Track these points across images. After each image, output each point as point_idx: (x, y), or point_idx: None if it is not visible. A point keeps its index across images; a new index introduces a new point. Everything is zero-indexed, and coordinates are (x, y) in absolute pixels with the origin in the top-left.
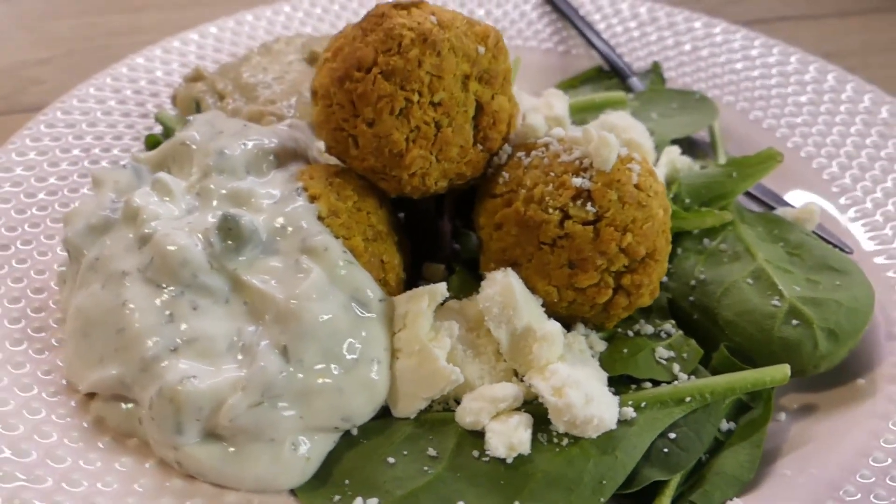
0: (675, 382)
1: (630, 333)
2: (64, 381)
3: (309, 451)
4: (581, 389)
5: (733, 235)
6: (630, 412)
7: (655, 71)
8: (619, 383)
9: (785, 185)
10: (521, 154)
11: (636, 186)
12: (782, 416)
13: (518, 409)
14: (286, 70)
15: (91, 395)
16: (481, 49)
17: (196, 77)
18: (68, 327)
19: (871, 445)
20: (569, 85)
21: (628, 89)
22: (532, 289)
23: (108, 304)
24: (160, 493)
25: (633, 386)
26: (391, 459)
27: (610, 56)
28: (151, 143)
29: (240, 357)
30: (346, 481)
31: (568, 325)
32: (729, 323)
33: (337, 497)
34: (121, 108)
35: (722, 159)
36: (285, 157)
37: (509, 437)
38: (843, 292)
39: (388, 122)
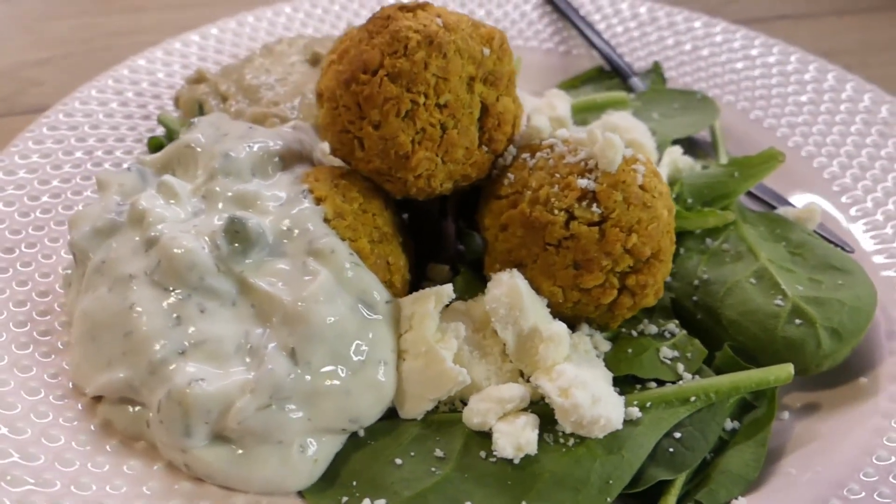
0: (680, 382)
1: (634, 333)
2: (70, 385)
3: (317, 453)
4: (587, 390)
5: (735, 235)
6: (635, 412)
7: (656, 71)
8: (624, 383)
9: (785, 184)
10: (525, 155)
11: (641, 187)
12: (786, 414)
13: (525, 410)
14: (289, 71)
15: (98, 399)
16: (486, 51)
17: (198, 79)
18: (75, 331)
19: (874, 444)
20: (570, 85)
21: (629, 89)
22: (537, 289)
23: (115, 307)
24: (169, 496)
25: (638, 386)
26: (398, 460)
27: (611, 56)
28: (154, 145)
29: (247, 359)
30: (354, 482)
31: (572, 326)
32: (732, 322)
33: (345, 498)
34: (123, 109)
35: (723, 159)
36: (290, 159)
37: (517, 437)
38: (846, 291)
39: (394, 124)
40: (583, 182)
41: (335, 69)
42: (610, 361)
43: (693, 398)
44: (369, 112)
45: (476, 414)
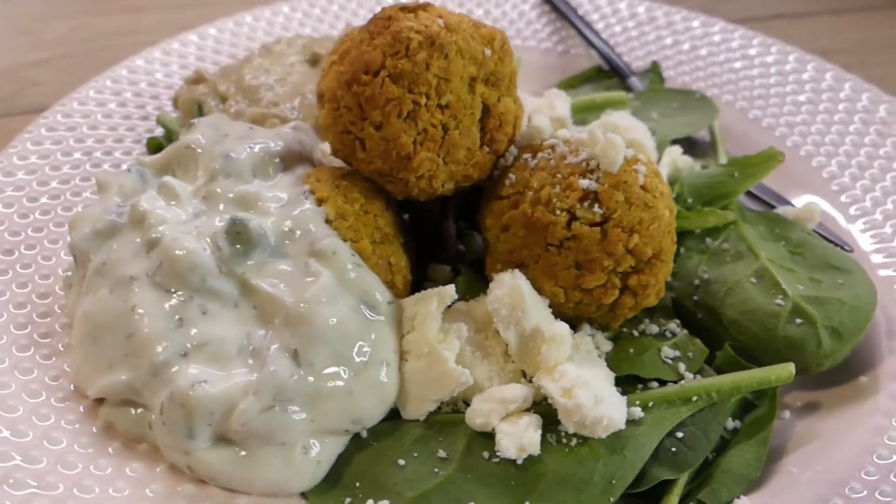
0: (682, 382)
1: (635, 333)
2: (72, 387)
3: (319, 454)
4: (590, 390)
5: (735, 235)
6: (638, 412)
7: (654, 70)
8: (626, 383)
9: (784, 183)
10: (527, 156)
11: (642, 188)
12: (787, 413)
13: (527, 410)
14: (288, 72)
15: (99, 401)
16: (488, 51)
17: (197, 79)
18: (76, 332)
19: (875, 443)
20: (568, 84)
21: (628, 89)
22: (539, 290)
23: (117, 308)
24: (172, 498)
25: (640, 386)
26: (401, 461)
27: (609, 55)
28: (154, 145)
29: (250, 361)
30: (357, 483)
31: (574, 326)
32: (733, 322)
33: (348, 500)
34: (121, 110)
35: (723, 159)
36: (291, 159)
37: (519, 438)
38: (846, 291)
39: (395, 125)
40: (584, 182)
41: (336, 70)
42: (611, 361)
43: (695, 398)
44: (371, 113)
45: (479, 414)
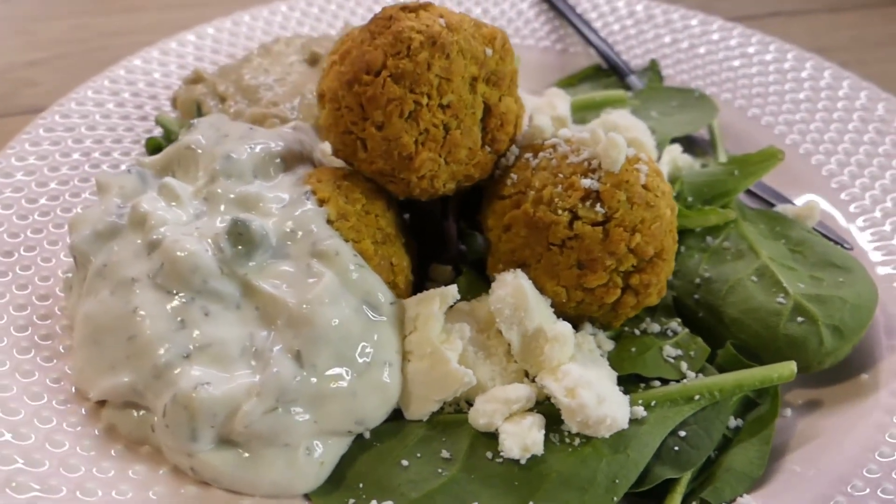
0: (684, 381)
1: (637, 332)
2: (73, 389)
3: (323, 455)
4: (593, 389)
5: (736, 233)
6: (640, 411)
7: (653, 69)
8: (628, 382)
9: (783, 181)
10: (528, 155)
11: (644, 187)
12: (788, 411)
13: (530, 410)
14: (287, 71)
15: (101, 403)
16: (489, 51)
17: (196, 79)
18: (77, 335)
19: (876, 440)
20: (567, 83)
21: (627, 87)
22: (541, 289)
23: (118, 310)
24: (175, 501)
25: (642, 385)
26: (405, 462)
27: (608, 54)
28: (153, 146)
29: (253, 363)
30: (361, 484)
31: (575, 325)
32: (734, 320)
33: (351, 500)
34: (119, 110)
35: (722, 157)
36: (292, 160)
37: (523, 438)
38: (847, 289)
39: (397, 125)
40: (586, 182)
41: (337, 70)
42: (614, 360)
43: (697, 397)
44: (372, 113)
45: (482, 415)
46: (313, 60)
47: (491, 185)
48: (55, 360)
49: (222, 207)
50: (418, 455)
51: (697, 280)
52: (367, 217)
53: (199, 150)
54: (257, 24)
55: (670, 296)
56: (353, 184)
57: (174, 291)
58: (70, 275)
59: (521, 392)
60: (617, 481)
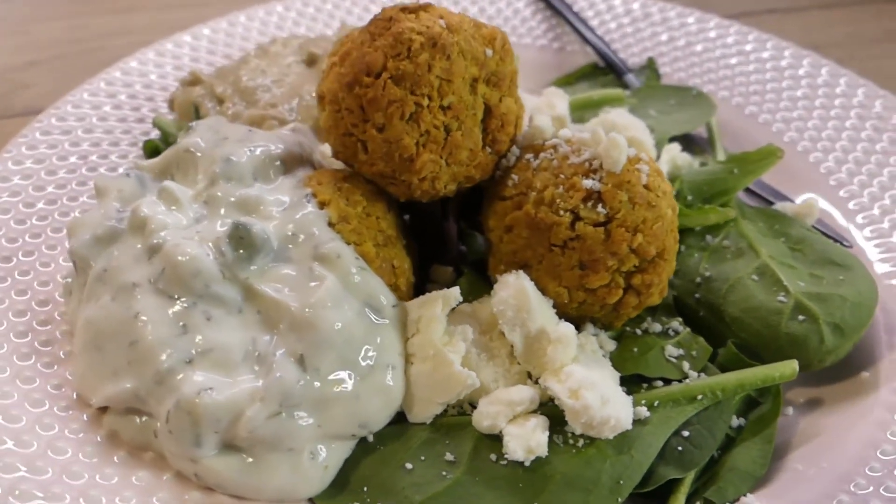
0: (686, 380)
1: (638, 332)
2: (74, 395)
3: (327, 459)
4: (597, 391)
5: (735, 232)
6: (644, 411)
7: (650, 67)
8: (630, 382)
9: (781, 179)
10: (529, 156)
11: (645, 187)
12: (790, 410)
13: (534, 412)
14: (285, 73)
15: (103, 409)
16: (489, 52)
17: (193, 81)
18: (78, 340)
19: (878, 438)
20: (564, 82)
21: (624, 86)
22: (542, 290)
23: (120, 316)
24: None
25: (645, 385)
26: (409, 465)
27: (605, 52)
28: (150, 148)
29: (256, 367)
30: (365, 488)
31: (577, 325)
32: (735, 319)
33: None
34: (116, 113)
35: (721, 155)
36: (292, 162)
37: (527, 440)
38: (847, 287)
39: (398, 126)
40: (588, 182)
41: (337, 71)
42: (616, 361)
43: (700, 396)
44: (373, 115)
45: (486, 417)
46: (311, 61)
47: (492, 186)
48: (56, 366)
49: (222, 211)
50: (422, 458)
51: (698, 279)
52: (369, 219)
53: (199, 154)
54: (253, 24)
55: (671, 295)
56: (353, 186)
57: (175, 296)
58: (69, 279)
59: (524, 394)
60: (621, 482)
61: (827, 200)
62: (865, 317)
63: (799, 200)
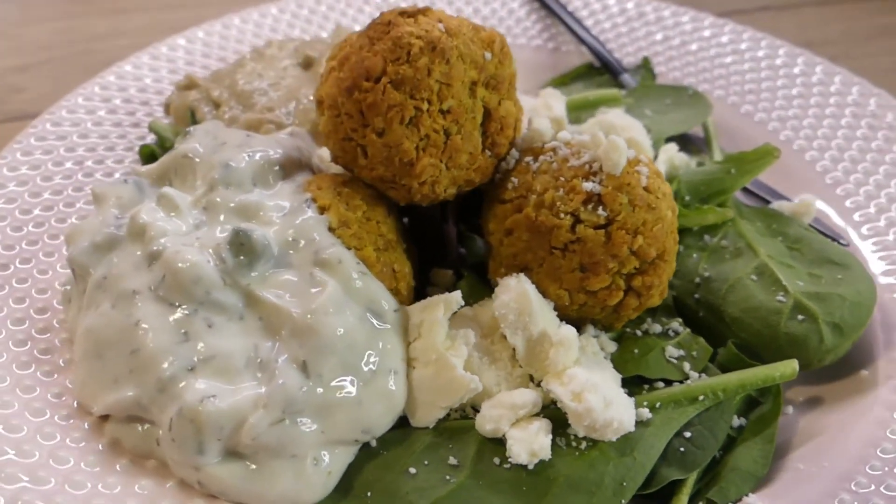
0: (687, 381)
1: (639, 333)
2: (75, 404)
3: (330, 465)
4: (599, 393)
5: (734, 231)
6: (646, 413)
7: (645, 66)
8: (632, 384)
9: (778, 178)
10: (528, 159)
11: (645, 189)
12: (790, 409)
13: (537, 415)
14: (281, 76)
15: (104, 417)
16: (488, 55)
17: (189, 85)
18: (78, 348)
19: (878, 436)
20: (560, 82)
21: (620, 85)
22: (543, 293)
23: (120, 324)
24: None
25: (646, 386)
26: (412, 469)
27: (600, 52)
28: (146, 153)
29: (258, 374)
30: (368, 493)
31: (578, 327)
32: (735, 319)
33: None
34: (111, 117)
35: (717, 155)
36: (290, 167)
37: (530, 443)
38: (846, 286)
39: (398, 131)
40: (588, 185)
41: (336, 76)
42: (617, 362)
43: (701, 397)
44: (373, 120)
45: (489, 420)
46: (307, 64)
47: (491, 190)
48: (56, 375)
49: (222, 217)
50: (425, 462)
51: (697, 279)
52: (369, 224)
53: (197, 159)
54: (248, 26)
55: (671, 296)
56: (353, 190)
57: (176, 303)
58: (68, 287)
59: (527, 397)
60: (624, 484)
61: (823, 199)
62: (864, 316)
63: (795, 199)
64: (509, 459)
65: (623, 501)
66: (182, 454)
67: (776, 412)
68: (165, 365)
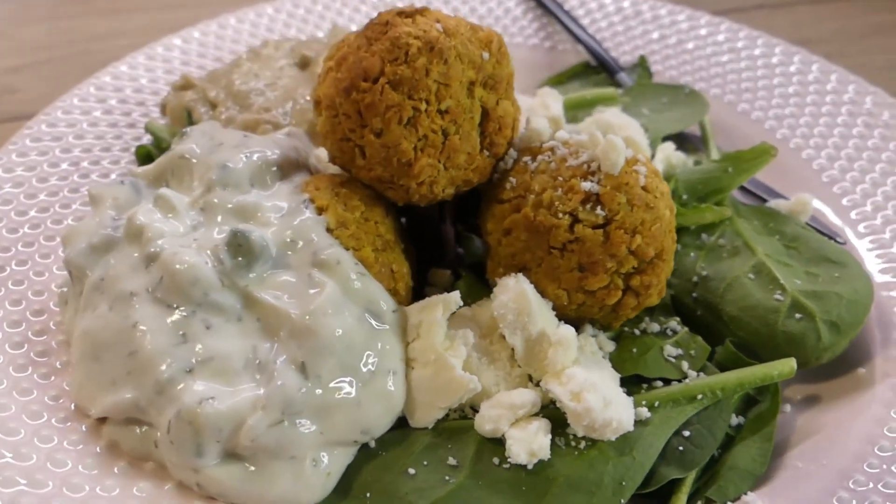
0: (686, 380)
1: (637, 332)
2: (72, 406)
3: (329, 466)
4: (598, 393)
5: (731, 230)
6: (644, 412)
7: (642, 65)
8: (630, 383)
9: (774, 176)
10: (527, 158)
11: (644, 188)
12: (787, 407)
13: (536, 415)
14: (278, 76)
15: (102, 420)
16: (486, 55)
17: (185, 85)
18: (76, 351)
19: (875, 434)
20: (556, 81)
21: (616, 84)
22: (541, 292)
23: (118, 325)
24: None
25: (645, 385)
26: (411, 470)
27: (596, 51)
28: (143, 154)
29: (257, 376)
30: (367, 494)
31: (576, 327)
32: (733, 318)
33: None
34: (107, 118)
35: (714, 154)
36: (288, 167)
37: (529, 443)
38: (843, 285)
39: (396, 131)
40: (586, 185)
41: (334, 76)
42: (615, 361)
43: (700, 396)
44: (371, 120)
45: (488, 420)
46: (304, 64)
47: (489, 189)
48: (53, 377)
49: (219, 218)
50: (425, 463)
51: (695, 278)
52: (367, 224)
53: (194, 160)
54: (243, 26)
55: (668, 295)
56: (351, 191)
57: (174, 305)
58: (65, 289)
59: (526, 397)
60: (624, 483)
61: (819, 197)
62: (862, 314)
63: (792, 198)
64: (508, 459)
65: (622, 501)
66: (181, 456)
67: (774, 411)
68: (163, 367)
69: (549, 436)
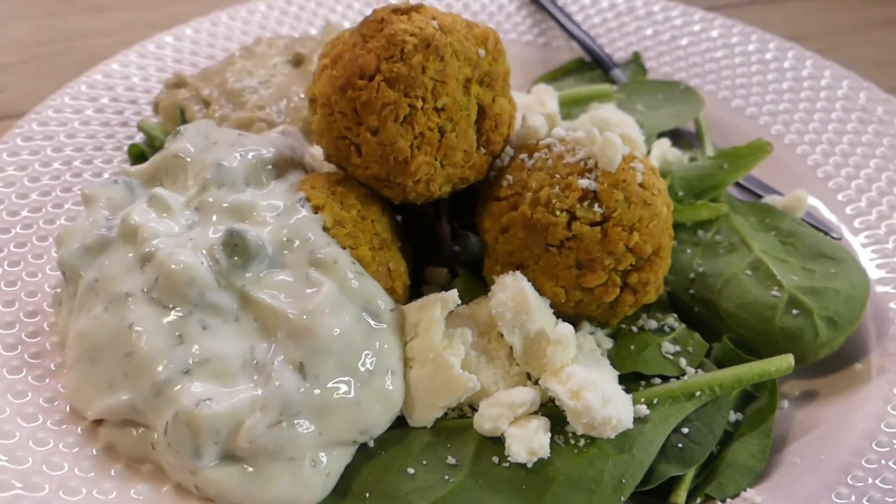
0: (684, 377)
1: (634, 329)
2: (68, 409)
3: (328, 467)
4: (598, 391)
5: (727, 226)
6: (643, 409)
7: (636, 61)
8: (628, 380)
9: (770, 172)
10: (523, 156)
11: (641, 185)
12: (785, 403)
13: (535, 413)
14: (272, 73)
15: (98, 422)
16: (482, 52)
17: (178, 83)
18: (70, 352)
19: (873, 429)
20: (551, 77)
21: (611, 81)
22: (539, 290)
23: (113, 327)
24: None
25: (643, 382)
26: (411, 470)
27: (591, 47)
28: (136, 153)
29: (255, 376)
30: (367, 494)
31: (574, 324)
32: (730, 315)
33: None
34: (99, 116)
35: (710, 150)
36: (283, 166)
37: (529, 441)
38: (840, 280)
39: (392, 129)
40: (584, 182)
41: (329, 74)
42: (613, 359)
43: (698, 393)
44: (367, 118)
45: (487, 419)
46: (297, 61)
47: (486, 187)
48: (48, 379)
49: (215, 217)
50: (424, 462)
51: (692, 275)
52: (363, 223)
53: (188, 159)
54: (235, 24)
55: (666, 291)
56: (347, 189)
57: (170, 305)
58: (58, 290)
59: (525, 395)
60: (623, 481)
61: (814, 193)
62: (859, 309)
63: (787, 194)
64: (508, 458)
65: (622, 498)
66: (178, 458)
67: (772, 407)
68: (160, 368)
69: (549, 434)
